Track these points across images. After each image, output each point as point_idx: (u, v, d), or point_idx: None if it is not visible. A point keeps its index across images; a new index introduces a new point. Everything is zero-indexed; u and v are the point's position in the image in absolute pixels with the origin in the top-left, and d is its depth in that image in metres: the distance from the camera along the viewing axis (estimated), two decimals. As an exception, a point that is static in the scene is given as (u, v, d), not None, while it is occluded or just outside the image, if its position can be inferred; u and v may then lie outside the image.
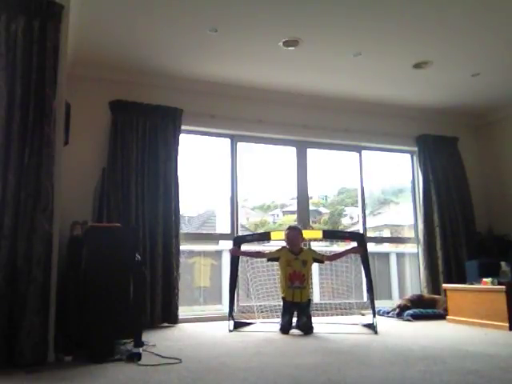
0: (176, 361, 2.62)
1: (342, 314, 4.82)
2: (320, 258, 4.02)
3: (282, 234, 4.03)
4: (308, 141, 5.32)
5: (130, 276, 2.88)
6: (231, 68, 4.51)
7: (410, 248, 5.79)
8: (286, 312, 3.82)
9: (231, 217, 4.95)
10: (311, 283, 4.35)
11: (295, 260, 3.88)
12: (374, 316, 3.76)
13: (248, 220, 6.12)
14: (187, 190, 4.70)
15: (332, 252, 4.34)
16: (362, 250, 3.93)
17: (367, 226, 5.48)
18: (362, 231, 5.31)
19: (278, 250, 4.00)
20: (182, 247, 4.49)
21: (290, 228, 4.05)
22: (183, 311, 4.43)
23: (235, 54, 4.21)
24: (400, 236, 6.33)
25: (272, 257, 4.02)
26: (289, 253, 3.93)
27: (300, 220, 5.12)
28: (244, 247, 4.18)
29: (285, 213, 6.56)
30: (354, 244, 4.09)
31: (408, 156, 5.84)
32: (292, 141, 5.29)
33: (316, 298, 5.04)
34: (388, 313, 4.78)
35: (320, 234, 4.29)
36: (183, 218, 4.93)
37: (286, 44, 4.00)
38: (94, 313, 2.74)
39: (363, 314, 4.71)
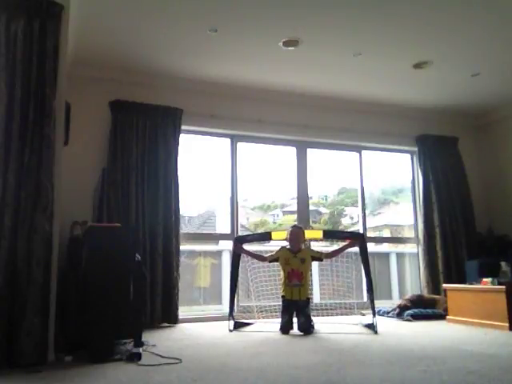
0: (176, 361, 2.62)
1: (342, 314, 4.82)
2: (318, 256, 4.05)
3: (283, 234, 4.05)
4: (308, 141, 5.32)
5: (130, 276, 2.88)
6: (231, 68, 4.51)
7: (410, 248, 5.79)
8: (285, 311, 3.83)
9: (231, 217, 4.95)
10: (311, 283, 4.37)
11: (293, 258, 3.91)
12: (374, 316, 3.76)
13: (248, 220, 6.12)
14: (187, 189, 4.70)
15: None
16: (359, 244, 3.94)
17: (367, 225, 5.48)
18: (362, 231, 5.31)
19: (277, 251, 4.04)
20: (183, 247, 4.49)
21: (294, 226, 4.15)
22: (183, 311, 4.42)
23: (235, 53, 4.21)
24: (400, 236, 6.33)
25: (272, 258, 4.05)
26: (287, 252, 3.96)
27: (300, 220, 5.11)
28: (245, 247, 4.18)
29: (285, 213, 6.56)
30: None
31: (408, 156, 5.84)
32: (292, 141, 5.29)
33: (316, 297, 5.05)
34: (388, 313, 4.77)
35: (320, 234, 4.30)
36: (183, 218, 4.93)
37: (286, 44, 4.00)
38: (94, 313, 2.74)
39: (363, 314, 4.71)
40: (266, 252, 4.34)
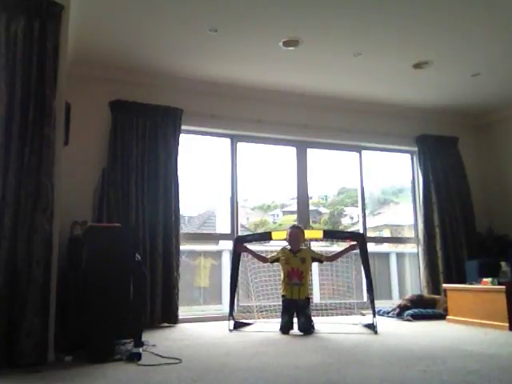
0: (176, 361, 2.62)
1: (342, 314, 4.82)
2: (319, 258, 4.06)
3: (283, 234, 4.06)
4: (308, 141, 5.32)
5: (129, 276, 2.88)
6: (231, 68, 4.51)
7: (410, 248, 5.79)
8: (285, 311, 3.83)
9: (231, 217, 4.95)
10: (311, 283, 4.36)
11: (294, 257, 3.93)
12: (374, 316, 3.76)
13: (248, 220, 6.12)
14: (187, 189, 4.70)
15: (332, 252, 4.34)
16: (359, 244, 3.94)
17: (367, 225, 5.48)
18: (362, 231, 5.30)
19: (278, 252, 4.06)
20: (183, 247, 4.49)
21: (294, 226, 4.15)
22: (183, 311, 4.42)
23: (235, 53, 4.21)
24: (400, 236, 6.33)
25: (273, 259, 4.07)
26: (288, 252, 3.98)
27: (300, 220, 5.11)
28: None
29: (285, 213, 6.56)
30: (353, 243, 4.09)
31: (408, 156, 5.84)
32: (292, 141, 5.28)
33: (316, 297, 5.05)
34: (388, 313, 4.77)
35: (320, 234, 4.29)
36: (183, 218, 4.93)
37: (286, 44, 4.00)
38: (94, 313, 2.74)
39: (363, 314, 4.71)
40: (267, 252, 4.35)
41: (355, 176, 5.56)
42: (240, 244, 4.10)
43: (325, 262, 4.21)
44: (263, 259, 4.17)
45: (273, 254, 4.10)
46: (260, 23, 3.69)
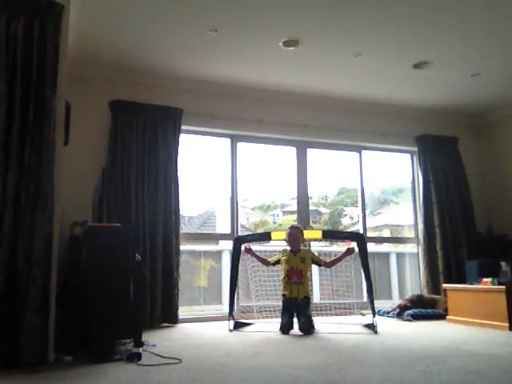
0: (176, 361, 2.62)
1: (342, 314, 4.82)
2: (318, 261, 4.07)
3: (283, 234, 4.07)
4: (308, 141, 5.32)
5: (129, 276, 2.88)
6: (231, 68, 4.51)
7: (410, 248, 5.79)
8: (286, 311, 3.84)
9: (231, 217, 4.95)
10: (311, 284, 4.36)
11: (294, 257, 3.96)
12: (374, 316, 3.76)
13: (248, 220, 6.13)
14: (187, 189, 4.70)
15: (332, 253, 4.34)
16: (358, 245, 3.94)
17: (367, 225, 5.48)
18: (362, 231, 5.30)
19: (278, 254, 4.08)
20: (183, 247, 4.49)
21: (293, 226, 4.16)
22: (183, 311, 4.42)
23: (235, 53, 4.21)
24: (400, 236, 6.33)
25: (274, 261, 4.09)
26: (288, 252, 4.01)
27: (300, 220, 5.11)
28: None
29: (285, 213, 6.57)
30: (353, 244, 4.08)
31: (408, 156, 5.84)
32: (292, 141, 5.29)
33: (316, 298, 5.04)
34: (388, 313, 4.77)
35: (320, 234, 4.29)
36: (183, 218, 4.93)
37: (286, 44, 4.00)
38: (94, 313, 2.74)
39: (363, 314, 4.71)
40: (266, 252, 4.35)
41: (355, 176, 5.56)
42: (243, 245, 4.09)
43: (322, 267, 4.21)
44: (266, 263, 4.18)
45: (274, 257, 4.11)
46: (260, 23, 3.69)
